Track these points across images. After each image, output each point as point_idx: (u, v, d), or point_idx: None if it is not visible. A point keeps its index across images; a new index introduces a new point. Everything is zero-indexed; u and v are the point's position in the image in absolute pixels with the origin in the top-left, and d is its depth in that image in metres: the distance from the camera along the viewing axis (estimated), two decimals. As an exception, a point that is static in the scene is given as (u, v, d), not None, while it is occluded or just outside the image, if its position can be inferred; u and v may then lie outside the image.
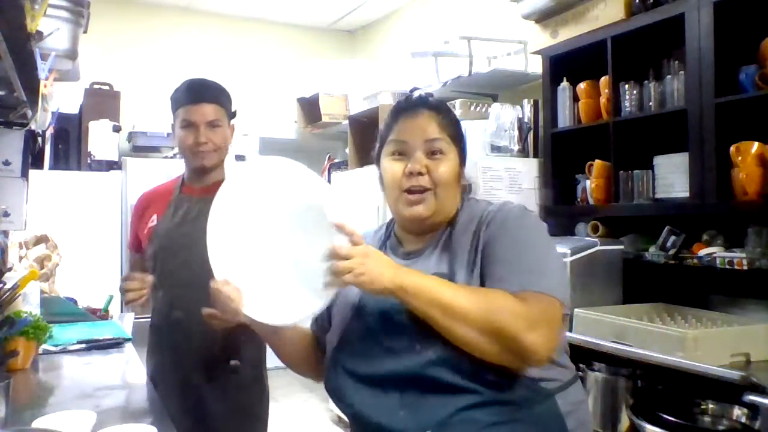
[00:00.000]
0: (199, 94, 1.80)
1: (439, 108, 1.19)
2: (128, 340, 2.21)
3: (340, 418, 3.82)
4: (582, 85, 2.74)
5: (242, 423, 1.84)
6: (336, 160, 4.74)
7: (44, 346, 1.99)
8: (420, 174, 1.12)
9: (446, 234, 1.16)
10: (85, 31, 1.91)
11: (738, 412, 1.96)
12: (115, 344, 2.14)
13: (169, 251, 1.81)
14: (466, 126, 2.65)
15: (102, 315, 2.64)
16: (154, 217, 1.88)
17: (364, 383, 1.10)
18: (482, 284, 1.07)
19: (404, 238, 1.23)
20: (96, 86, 4.37)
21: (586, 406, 1.18)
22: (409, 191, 1.14)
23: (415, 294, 0.99)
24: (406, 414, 1.04)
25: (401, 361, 1.06)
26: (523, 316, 0.98)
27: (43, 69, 1.55)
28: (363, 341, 1.12)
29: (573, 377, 1.15)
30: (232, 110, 1.89)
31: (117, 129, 4.30)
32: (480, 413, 1.02)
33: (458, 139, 1.18)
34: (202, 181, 1.86)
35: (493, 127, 3.07)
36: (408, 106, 1.19)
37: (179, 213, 1.84)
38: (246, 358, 1.82)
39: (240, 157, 4.49)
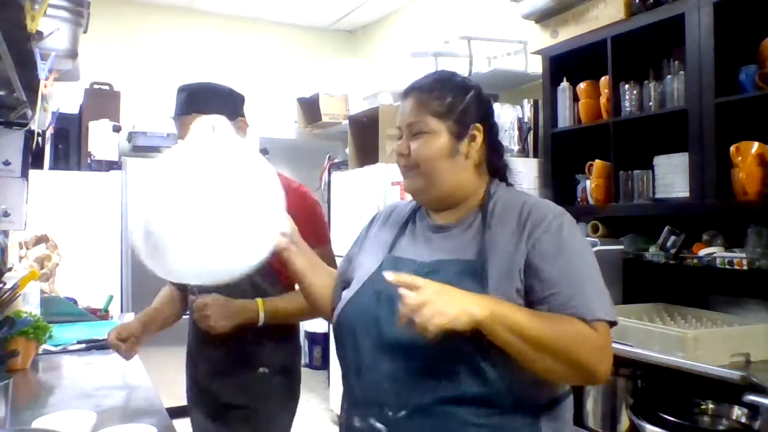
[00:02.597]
0: (183, 106, 1.64)
1: (422, 88, 1.19)
2: (128, 340, 2.21)
3: (340, 418, 3.81)
4: (582, 85, 2.74)
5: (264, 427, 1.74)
6: (336, 160, 4.73)
7: (44, 346, 2.00)
8: (401, 155, 1.19)
9: (479, 218, 1.16)
10: (85, 31, 1.91)
11: (738, 412, 1.96)
12: (115, 344, 2.15)
13: None
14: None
15: (102, 315, 2.65)
16: None
17: (363, 344, 1.12)
18: (527, 290, 1.06)
19: (431, 212, 1.25)
20: (96, 86, 4.37)
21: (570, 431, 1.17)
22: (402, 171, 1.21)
23: (503, 322, 0.96)
24: (389, 387, 1.06)
25: (405, 328, 1.04)
26: (599, 349, 1.01)
27: (43, 69, 1.54)
28: (373, 303, 1.13)
29: (565, 392, 1.14)
30: (235, 109, 1.73)
31: (117, 129, 4.29)
32: (460, 410, 1.02)
33: (450, 114, 1.16)
34: None
35: (493, 127, 3.07)
36: (404, 92, 1.23)
37: None
38: (274, 365, 1.73)
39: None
